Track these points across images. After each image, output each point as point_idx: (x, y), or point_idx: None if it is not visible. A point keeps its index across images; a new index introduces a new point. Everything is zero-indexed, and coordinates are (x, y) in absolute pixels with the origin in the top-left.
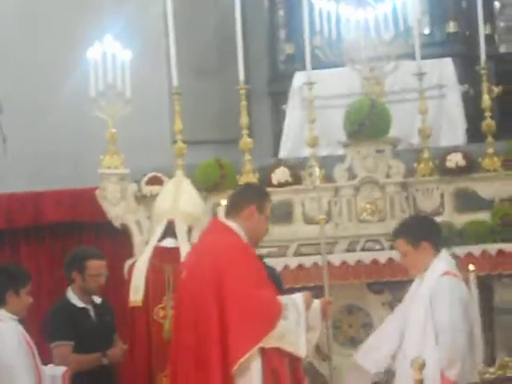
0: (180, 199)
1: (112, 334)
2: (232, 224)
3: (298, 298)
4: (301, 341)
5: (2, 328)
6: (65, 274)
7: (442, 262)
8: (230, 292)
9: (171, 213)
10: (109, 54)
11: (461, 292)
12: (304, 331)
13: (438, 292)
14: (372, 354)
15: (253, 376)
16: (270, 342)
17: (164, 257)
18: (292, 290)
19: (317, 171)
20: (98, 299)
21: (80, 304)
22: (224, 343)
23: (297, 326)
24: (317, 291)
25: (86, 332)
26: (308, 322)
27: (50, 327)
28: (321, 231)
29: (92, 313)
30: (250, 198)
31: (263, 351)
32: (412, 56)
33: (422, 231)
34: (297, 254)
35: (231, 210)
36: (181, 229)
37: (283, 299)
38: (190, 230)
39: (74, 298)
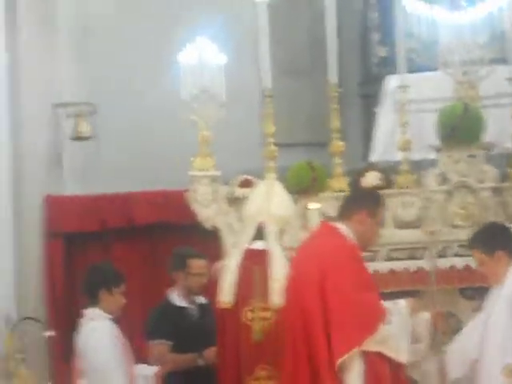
0: (271, 202)
1: (210, 336)
2: (342, 227)
3: (403, 303)
4: (402, 346)
5: (96, 326)
6: (168, 273)
7: None
8: (333, 293)
9: (262, 215)
10: (202, 56)
11: None
12: (407, 337)
13: None
14: (455, 359)
15: (354, 378)
16: (371, 345)
17: (254, 259)
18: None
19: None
20: (202, 299)
21: (181, 303)
22: (328, 343)
23: (400, 331)
24: (407, 297)
25: (184, 332)
26: (414, 330)
27: (150, 326)
28: (431, 241)
29: (194, 312)
30: (364, 202)
31: (366, 354)
32: (506, 60)
33: (496, 240)
34: (387, 258)
35: (343, 213)
36: (271, 231)
37: (387, 304)
38: (281, 233)
39: (175, 297)
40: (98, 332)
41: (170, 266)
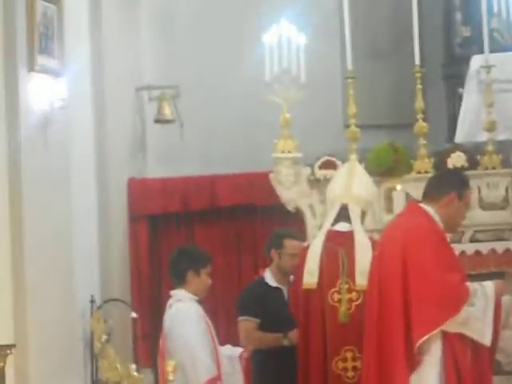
0: (353, 184)
1: None
2: (428, 208)
3: (489, 286)
4: (487, 329)
5: (182, 308)
6: (265, 253)
7: None
8: (415, 272)
9: (344, 197)
10: (284, 38)
11: None
12: (491, 320)
13: None
14: None
15: (433, 359)
16: (452, 326)
17: (338, 240)
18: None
19: None
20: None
21: (274, 283)
22: (407, 323)
23: (484, 314)
24: (493, 278)
25: (273, 311)
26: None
27: (240, 303)
28: None
29: (285, 293)
30: (451, 184)
31: (446, 335)
32: None
33: None
34: (473, 240)
35: (430, 195)
36: (354, 212)
37: (473, 285)
38: (363, 214)
39: (269, 277)
40: (185, 313)
41: (267, 245)
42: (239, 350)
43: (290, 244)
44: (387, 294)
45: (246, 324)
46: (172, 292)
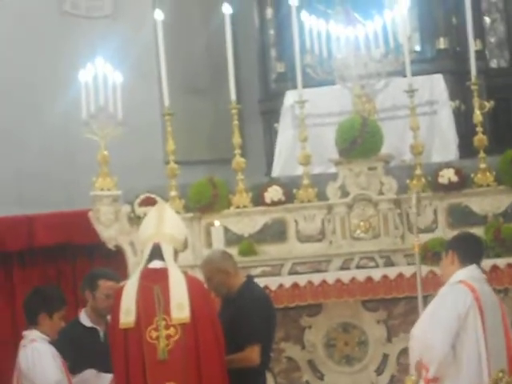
0: (164, 224)
1: None
2: None
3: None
4: None
5: (38, 347)
6: (80, 293)
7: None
8: None
9: (156, 236)
10: (100, 75)
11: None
12: None
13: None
14: None
15: None
16: None
17: (152, 278)
18: (286, 310)
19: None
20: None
21: (89, 324)
22: None
23: None
24: (312, 310)
25: (88, 352)
26: None
27: (56, 345)
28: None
29: (101, 333)
30: None
31: None
32: (403, 73)
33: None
34: (291, 272)
35: None
36: (167, 250)
37: None
38: (175, 252)
39: (84, 317)
40: (42, 352)
41: (81, 286)
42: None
43: (105, 285)
44: None
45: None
46: (24, 333)
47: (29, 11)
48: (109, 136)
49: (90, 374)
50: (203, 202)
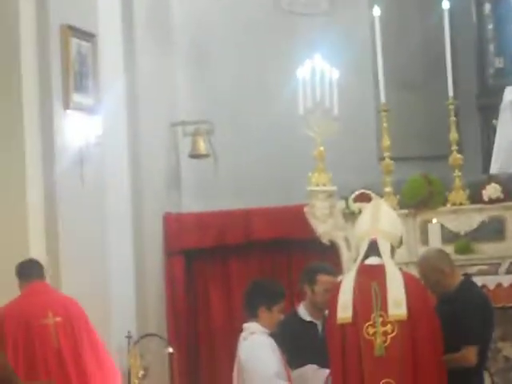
0: (379, 220)
1: None
2: None
3: None
4: None
5: (257, 340)
6: (299, 287)
7: None
8: None
9: (372, 232)
10: (317, 72)
11: None
12: None
13: None
14: None
15: None
16: None
17: (370, 274)
18: (504, 309)
19: None
20: None
21: (308, 318)
22: None
23: None
24: None
25: (308, 346)
26: None
27: (277, 338)
28: None
29: (319, 327)
30: None
31: None
32: None
33: None
34: (509, 271)
35: None
36: (383, 246)
37: None
38: (392, 249)
39: (303, 311)
40: (261, 344)
41: (300, 280)
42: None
43: (323, 279)
44: None
45: None
46: (245, 325)
47: (247, 7)
48: (325, 132)
49: (310, 368)
50: (418, 199)
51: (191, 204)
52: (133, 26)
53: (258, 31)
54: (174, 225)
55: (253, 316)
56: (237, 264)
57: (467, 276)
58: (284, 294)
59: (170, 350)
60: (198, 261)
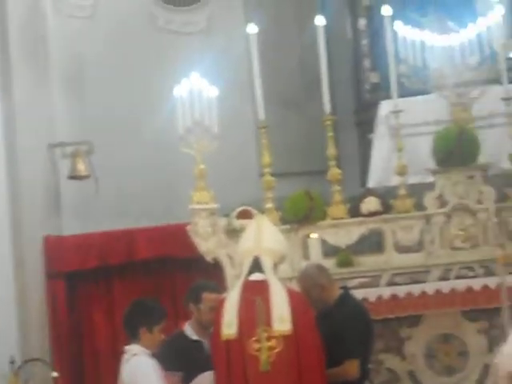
0: (263, 237)
1: None
2: None
3: None
4: None
5: (141, 361)
6: (184, 306)
7: None
8: None
9: (256, 250)
10: (195, 90)
11: None
12: None
13: None
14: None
15: None
16: None
17: (254, 290)
18: (385, 321)
19: None
20: None
21: (194, 336)
22: None
23: None
24: (412, 321)
25: (195, 364)
26: None
27: (162, 358)
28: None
29: (206, 346)
30: None
31: None
32: (499, 81)
33: None
34: (390, 283)
35: None
36: (266, 263)
37: None
38: (275, 265)
39: (189, 330)
40: (144, 365)
41: (185, 299)
42: None
43: (208, 297)
44: None
45: (172, 379)
46: (126, 347)
47: (123, 27)
48: (205, 150)
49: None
50: (300, 215)
51: (72, 226)
52: (8, 45)
53: (135, 51)
54: (54, 247)
55: (134, 337)
56: (120, 285)
57: (345, 289)
58: (165, 314)
59: (55, 374)
60: (81, 283)
